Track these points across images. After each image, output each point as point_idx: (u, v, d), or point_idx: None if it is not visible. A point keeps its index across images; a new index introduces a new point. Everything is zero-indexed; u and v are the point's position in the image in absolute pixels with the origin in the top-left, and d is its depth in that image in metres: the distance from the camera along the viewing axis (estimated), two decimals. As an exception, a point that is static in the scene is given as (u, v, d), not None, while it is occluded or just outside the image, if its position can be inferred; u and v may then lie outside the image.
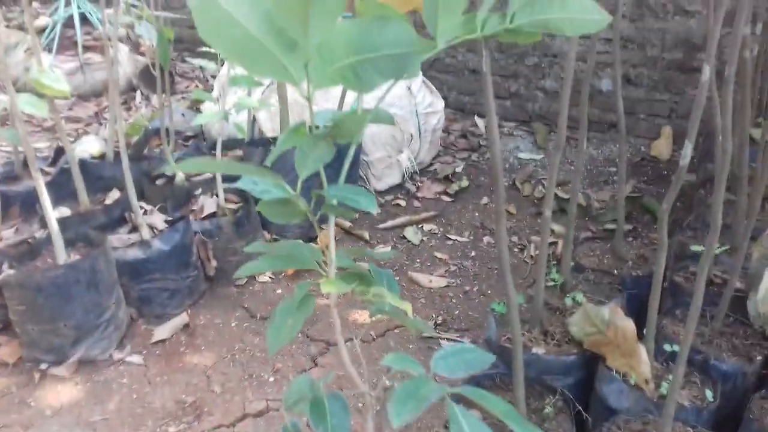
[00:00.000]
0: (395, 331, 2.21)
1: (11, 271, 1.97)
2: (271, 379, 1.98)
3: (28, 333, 1.96)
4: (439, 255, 2.69)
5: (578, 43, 3.50)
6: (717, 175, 1.34)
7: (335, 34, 0.60)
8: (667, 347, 1.57)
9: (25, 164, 2.66)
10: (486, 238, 2.82)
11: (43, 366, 1.96)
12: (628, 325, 1.51)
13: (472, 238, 2.83)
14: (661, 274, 1.47)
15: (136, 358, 2.04)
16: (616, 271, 2.00)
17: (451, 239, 2.82)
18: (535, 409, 1.41)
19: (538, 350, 1.60)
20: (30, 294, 1.92)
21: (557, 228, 2.75)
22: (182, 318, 2.21)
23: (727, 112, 1.34)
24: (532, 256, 2.66)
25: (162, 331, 2.14)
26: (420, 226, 2.91)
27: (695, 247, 1.99)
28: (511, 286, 1.27)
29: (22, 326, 1.97)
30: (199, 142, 3.11)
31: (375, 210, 0.69)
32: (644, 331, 1.53)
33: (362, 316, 2.26)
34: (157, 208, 2.45)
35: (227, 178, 2.60)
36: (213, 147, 2.88)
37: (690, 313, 1.26)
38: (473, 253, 2.71)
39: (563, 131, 1.62)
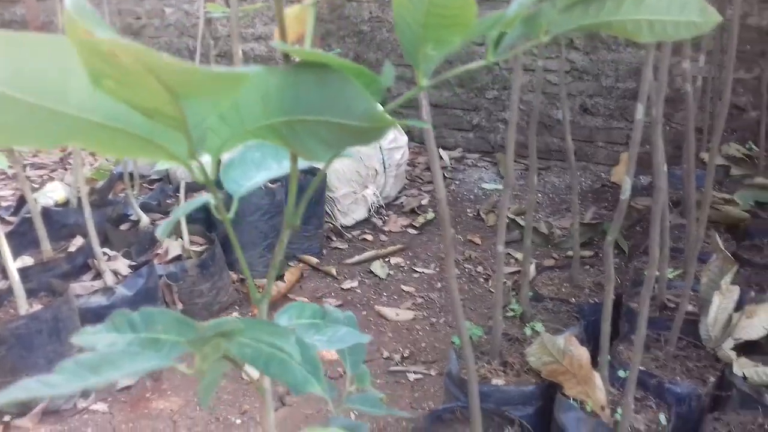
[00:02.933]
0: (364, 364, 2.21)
1: (-28, 324, 1.96)
2: (239, 421, 1.98)
3: (-11, 386, 1.94)
4: (405, 288, 2.72)
5: (531, 76, 3.61)
6: (653, 210, 1.39)
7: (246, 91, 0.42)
8: (621, 373, 1.61)
9: (-13, 214, 2.65)
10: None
11: (6, 418, 1.94)
12: (582, 353, 1.55)
13: (438, 269, 2.87)
14: (609, 305, 1.52)
15: (101, 406, 2.03)
16: (573, 299, 2.05)
17: (417, 272, 2.85)
18: (494, 441, 1.44)
19: (498, 381, 1.64)
20: (-9, 346, 1.90)
21: (520, 256, 2.80)
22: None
23: (658, 151, 1.40)
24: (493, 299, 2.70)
25: (128, 378, 2.13)
26: (387, 259, 2.94)
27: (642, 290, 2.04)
28: (462, 322, 1.31)
29: (-16, 379, 1.95)
30: (164, 185, 3.12)
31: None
32: (598, 359, 1.57)
33: (330, 353, 2.27)
34: (121, 253, 2.45)
35: (192, 220, 2.62)
36: (177, 190, 2.89)
37: (636, 339, 1.31)
38: (439, 285, 2.74)
39: (511, 165, 1.68)
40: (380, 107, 0.43)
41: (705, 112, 3.24)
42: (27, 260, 2.34)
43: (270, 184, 2.81)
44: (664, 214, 1.74)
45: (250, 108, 0.44)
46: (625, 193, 1.42)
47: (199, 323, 0.58)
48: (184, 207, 0.67)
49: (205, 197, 0.82)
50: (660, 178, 1.37)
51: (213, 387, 0.76)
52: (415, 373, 2.19)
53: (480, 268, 2.86)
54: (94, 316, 2.16)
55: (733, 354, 1.66)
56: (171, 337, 0.59)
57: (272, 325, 0.58)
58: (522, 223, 3.04)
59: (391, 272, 2.86)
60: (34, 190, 3.00)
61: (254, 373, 1.86)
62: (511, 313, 1.95)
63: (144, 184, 3.35)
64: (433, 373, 2.19)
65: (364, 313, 2.54)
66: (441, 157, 4.06)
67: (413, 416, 1.97)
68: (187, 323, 0.60)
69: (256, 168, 0.64)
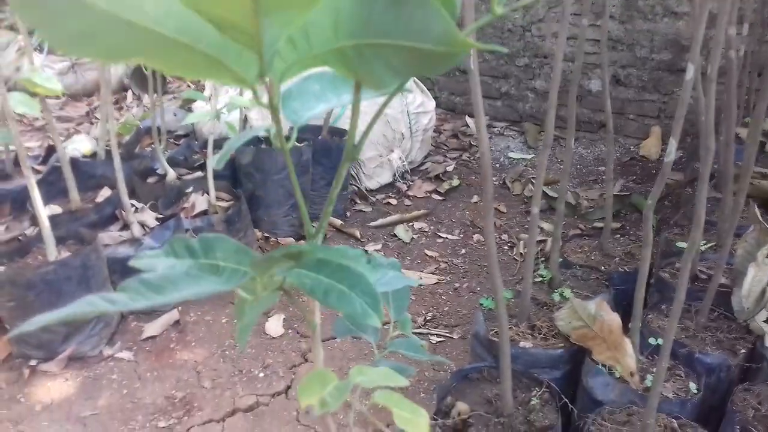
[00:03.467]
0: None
1: (1, 268, 1.97)
2: (261, 374, 1.99)
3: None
4: (429, 253, 2.71)
5: (567, 44, 3.53)
6: (700, 172, 1.36)
7: (317, 12, 0.40)
8: (652, 341, 1.59)
9: (15, 163, 2.66)
10: (476, 236, 2.84)
11: (33, 362, 1.96)
12: (614, 318, 1.53)
13: (462, 236, 2.85)
14: (646, 269, 1.49)
15: (126, 354, 2.05)
16: (603, 268, 2.02)
17: (441, 237, 2.83)
18: (521, 401, 1.43)
19: (526, 344, 1.62)
20: (20, 290, 1.92)
21: (546, 226, 2.77)
22: (172, 315, 2.21)
23: (710, 111, 1.36)
24: (521, 254, 2.68)
25: (152, 328, 2.15)
26: (411, 224, 2.93)
27: (681, 244, 2.01)
28: (499, 281, 1.29)
29: (12, 322, 1.97)
30: (190, 141, 3.11)
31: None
32: (630, 325, 1.55)
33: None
34: (148, 206, 2.46)
35: (218, 176, 2.61)
36: (204, 146, 2.89)
37: (673, 307, 1.28)
38: (463, 251, 2.73)
39: (551, 130, 1.64)
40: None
41: (742, 87, 3.16)
42: (55, 209, 2.35)
43: (297, 143, 2.79)
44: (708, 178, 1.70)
45: (320, 30, 0.41)
46: (670, 156, 1.38)
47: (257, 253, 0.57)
48: (238, 138, 0.66)
49: (255, 131, 0.79)
50: (709, 138, 1.33)
51: (250, 326, 0.75)
52: (437, 335, 2.19)
53: (505, 236, 2.84)
54: (122, 266, 2.17)
55: (765, 326, 1.63)
56: (230, 264, 0.58)
57: (341, 248, 0.56)
58: (551, 193, 3.01)
59: (415, 236, 2.84)
60: (61, 142, 3.01)
61: (278, 329, 1.86)
62: (539, 279, 1.93)
63: (170, 140, 3.34)
64: (455, 336, 2.19)
65: (388, 275, 2.53)
66: (467, 125, 4.01)
67: (453, 363, 1.98)
68: (246, 251, 0.59)
69: (316, 99, 0.61)
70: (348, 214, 2.99)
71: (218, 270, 0.56)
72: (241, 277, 0.57)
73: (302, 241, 2.65)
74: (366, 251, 0.73)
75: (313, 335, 0.70)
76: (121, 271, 2.17)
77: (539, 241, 2.71)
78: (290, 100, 0.61)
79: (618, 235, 2.33)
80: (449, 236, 2.84)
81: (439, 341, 2.17)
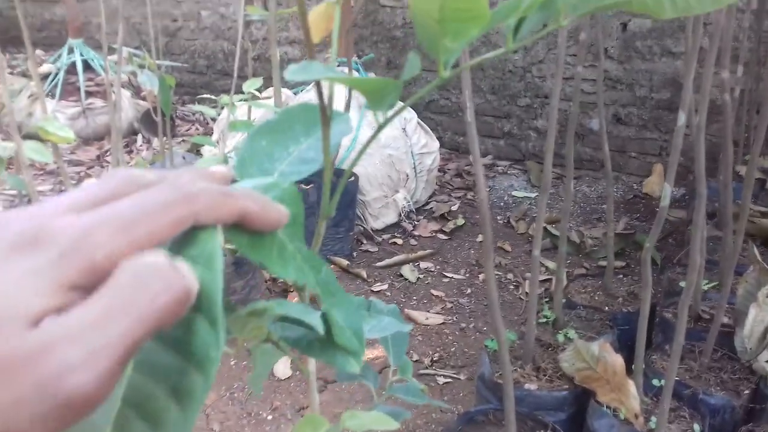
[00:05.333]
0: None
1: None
2: (270, 417, 2.01)
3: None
4: (435, 292, 2.73)
5: (566, 84, 3.61)
6: (694, 217, 1.39)
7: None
8: (655, 382, 1.61)
9: (28, 202, 2.72)
10: (481, 276, 2.86)
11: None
12: (617, 360, 1.55)
13: (467, 275, 2.88)
14: (646, 311, 1.51)
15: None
16: (607, 308, 2.04)
17: (447, 277, 2.86)
18: (527, 445, 1.45)
19: (530, 386, 1.64)
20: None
21: (550, 265, 2.80)
22: (182, 358, 2.24)
23: (701, 157, 1.40)
24: (527, 293, 2.70)
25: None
26: (417, 264, 2.96)
27: (684, 284, 2.03)
28: (500, 325, 1.32)
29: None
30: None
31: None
32: (633, 366, 1.57)
33: (376, 350, 2.28)
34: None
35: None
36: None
37: (673, 348, 1.31)
38: (469, 290, 2.75)
39: (549, 171, 1.69)
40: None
41: (741, 124, 3.20)
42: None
43: (304, 186, 2.85)
44: (703, 222, 1.73)
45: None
46: (665, 200, 1.42)
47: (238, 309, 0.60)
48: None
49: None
50: (701, 183, 1.37)
51: (263, 376, 0.78)
52: (444, 377, 2.20)
53: (510, 276, 2.86)
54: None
55: (769, 367, 1.64)
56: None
57: (298, 304, 0.60)
58: (554, 231, 3.04)
59: (421, 276, 2.87)
60: (72, 186, 3.07)
61: (285, 371, 1.89)
62: (543, 320, 1.95)
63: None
64: (462, 377, 2.20)
65: (394, 315, 2.55)
66: (471, 164, 4.07)
67: (451, 407, 1.99)
68: (227, 308, 0.62)
69: (269, 158, 0.56)
70: (354, 254, 3.02)
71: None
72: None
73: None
74: (369, 300, 0.76)
75: (308, 382, 0.73)
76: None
77: (544, 281, 2.73)
78: (245, 167, 0.56)
79: (621, 275, 2.36)
80: (455, 276, 2.87)
81: (446, 382, 2.18)
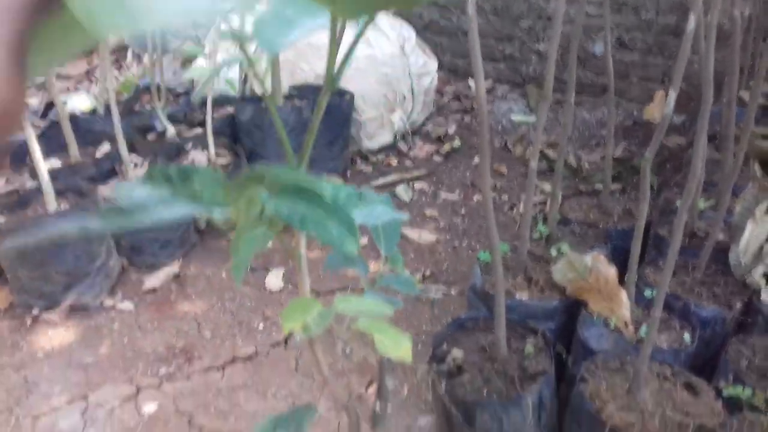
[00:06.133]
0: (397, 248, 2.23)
1: (2, 219, 1.98)
2: (261, 326, 2.01)
3: (19, 279, 1.98)
4: (429, 212, 2.71)
5: (569, 6, 3.49)
6: (699, 123, 1.35)
7: None
8: (647, 293, 1.60)
9: (15, 116, 2.65)
10: (476, 197, 2.84)
11: (35, 311, 1.98)
12: (610, 270, 1.54)
13: (462, 196, 2.85)
14: (642, 223, 1.49)
15: (127, 305, 2.07)
16: (601, 225, 2.02)
17: (441, 197, 2.84)
18: (516, 349, 1.45)
19: (522, 296, 1.63)
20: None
21: (547, 187, 2.77)
22: (173, 268, 2.23)
23: (710, 59, 1.35)
24: (521, 215, 2.68)
25: (153, 280, 2.17)
26: (411, 184, 2.93)
27: (680, 203, 2.01)
28: (494, 227, 1.29)
29: (14, 273, 1.99)
30: (190, 99, 3.09)
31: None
32: (626, 278, 1.56)
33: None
34: (147, 161, 2.46)
35: (218, 133, 2.61)
36: (204, 103, 2.87)
37: (668, 254, 1.29)
38: (463, 211, 2.73)
39: (550, 81, 1.63)
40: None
41: (746, 51, 3.12)
42: (54, 163, 2.35)
43: (297, 102, 2.78)
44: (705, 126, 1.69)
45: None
46: (669, 106, 1.37)
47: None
48: (216, 69, 0.65)
49: (234, 59, 0.78)
50: (708, 88, 1.32)
51: (245, 263, 0.75)
52: (435, 292, 2.20)
53: (505, 197, 2.84)
54: (121, 219, 2.18)
55: (762, 281, 1.64)
56: (206, 192, 0.58)
57: (302, 172, 0.56)
58: (551, 155, 3.00)
59: (415, 197, 2.84)
60: (60, 98, 2.99)
61: (277, 283, 1.87)
62: (537, 235, 1.93)
63: (170, 98, 3.32)
64: (453, 292, 2.20)
65: (387, 233, 2.54)
66: (469, 87, 3.99)
67: (443, 297, 2.00)
68: (223, 183, 0.59)
69: (290, 25, 0.59)
70: (349, 173, 2.98)
71: (195, 196, 0.56)
72: (216, 204, 0.57)
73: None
74: (360, 191, 0.72)
75: (298, 265, 0.70)
76: (121, 224, 2.18)
77: (539, 203, 2.71)
78: (264, 28, 0.58)
79: (618, 195, 2.33)
80: (449, 196, 2.84)
81: (436, 299, 2.18)
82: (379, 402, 0.70)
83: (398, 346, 0.65)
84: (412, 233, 2.53)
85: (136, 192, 0.60)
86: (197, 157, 2.55)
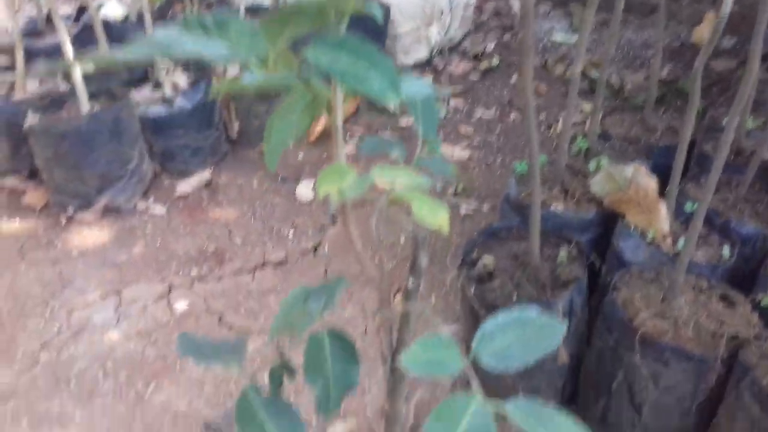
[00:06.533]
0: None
1: (37, 118, 1.99)
2: (291, 234, 2.02)
3: (54, 179, 2.00)
4: (463, 130, 2.65)
5: None
6: (753, 38, 1.27)
7: None
8: (688, 207, 1.55)
9: (48, 20, 2.62)
10: (513, 115, 2.76)
11: (70, 211, 2.01)
12: (651, 182, 1.49)
13: (498, 114, 2.77)
14: (689, 130, 1.42)
15: (159, 209, 2.08)
16: (643, 141, 1.95)
17: (476, 115, 2.77)
18: (548, 257, 1.42)
19: (557, 207, 1.60)
20: (54, 141, 1.94)
21: (587, 107, 2.68)
22: (205, 175, 2.23)
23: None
24: (558, 134, 2.61)
25: (185, 186, 2.17)
26: (446, 101, 2.86)
27: (729, 116, 1.92)
28: (534, 130, 1.25)
29: (49, 173, 2.01)
30: (221, 7, 3.03)
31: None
32: (667, 190, 1.50)
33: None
34: (180, 68, 2.43)
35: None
36: (237, 12, 2.81)
37: (715, 162, 1.23)
38: (498, 129, 2.66)
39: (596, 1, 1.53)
40: None
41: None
42: (88, 66, 2.33)
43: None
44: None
45: None
46: (726, 7, 1.28)
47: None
48: None
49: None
50: (763, 4, 1.23)
51: (278, 150, 0.72)
52: (467, 207, 2.17)
53: (543, 115, 2.75)
54: (154, 124, 2.17)
55: (810, 200, 1.57)
56: (244, 41, 0.55)
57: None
58: (593, 74, 2.89)
59: (450, 114, 2.78)
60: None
61: (308, 194, 1.83)
62: (576, 150, 1.87)
63: (203, 6, 3.26)
64: (485, 208, 2.17)
65: (420, 149, 2.50)
66: (509, 4, 3.83)
67: (474, 212, 1.98)
68: (261, 37, 0.55)
69: None
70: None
71: (229, 41, 0.53)
72: (251, 49, 0.53)
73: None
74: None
75: (335, 135, 0.67)
76: (152, 130, 2.17)
77: (579, 123, 2.63)
78: None
79: (661, 113, 2.24)
80: (485, 114, 2.77)
81: (468, 213, 2.16)
82: (411, 278, 0.68)
83: (435, 215, 0.63)
84: (446, 149, 2.49)
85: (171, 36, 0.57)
86: (232, 65, 2.51)
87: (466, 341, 1.62)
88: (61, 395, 1.49)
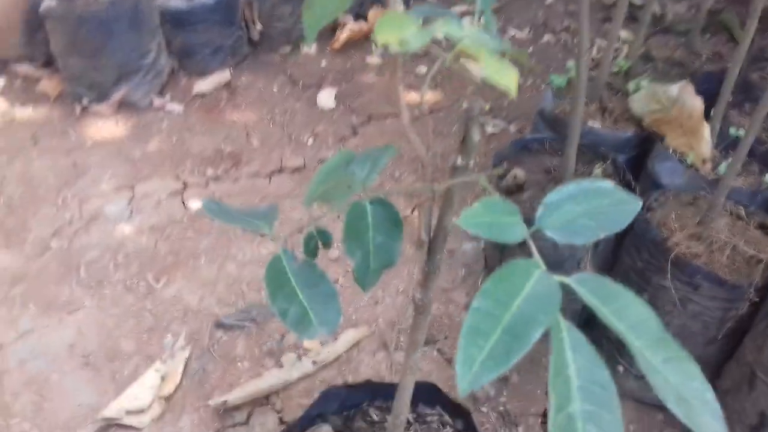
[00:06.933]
0: (440, 114, 2.14)
1: (55, 1, 1.90)
2: (310, 141, 1.95)
3: (70, 67, 1.94)
4: (494, 49, 2.54)
5: None
6: None
7: None
8: (732, 131, 1.47)
9: None
10: (547, 36, 2.64)
11: (85, 102, 1.95)
12: (696, 102, 1.41)
13: (531, 35, 2.65)
14: (744, 50, 1.33)
15: (176, 107, 2.02)
16: (686, 65, 1.85)
17: (509, 34, 2.65)
18: (582, 173, 1.36)
19: (594, 124, 1.52)
20: (72, 26, 1.86)
21: (626, 35, 2.55)
22: (224, 75, 2.15)
23: None
24: (592, 59, 2.49)
25: (203, 85, 2.10)
26: (479, 18, 2.73)
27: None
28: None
29: (65, 60, 1.94)
30: None
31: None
32: (712, 111, 1.42)
33: (411, 97, 2.17)
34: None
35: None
36: None
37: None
38: (531, 49, 2.55)
39: None
40: None
41: None
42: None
43: None
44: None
45: None
46: None
47: None
48: None
49: None
50: None
51: (324, 18, 0.63)
52: (494, 126, 2.10)
53: (576, 40, 2.63)
54: (173, 18, 2.08)
55: None
56: None
57: None
58: (635, 2, 2.74)
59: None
60: None
61: (329, 102, 1.73)
62: (616, 69, 1.78)
63: None
64: (512, 128, 2.10)
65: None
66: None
67: (501, 132, 1.92)
68: None
69: None
70: (411, 2, 2.79)
71: None
72: None
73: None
74: None
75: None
76: (172, 24, 2.08)
77: (617, 50, 2.50)
78: None
79: (708, 36, 2.12)
80: (518, 34, 2.65)
81: (494, 133, 2.08)
82: (461, 156, 0.62)
83: (505, 73, 0.56)
84: (475, 67, 2.38)
85: None
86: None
87: (487, 259, 1.58)
88: (71, 282, 1.47)
